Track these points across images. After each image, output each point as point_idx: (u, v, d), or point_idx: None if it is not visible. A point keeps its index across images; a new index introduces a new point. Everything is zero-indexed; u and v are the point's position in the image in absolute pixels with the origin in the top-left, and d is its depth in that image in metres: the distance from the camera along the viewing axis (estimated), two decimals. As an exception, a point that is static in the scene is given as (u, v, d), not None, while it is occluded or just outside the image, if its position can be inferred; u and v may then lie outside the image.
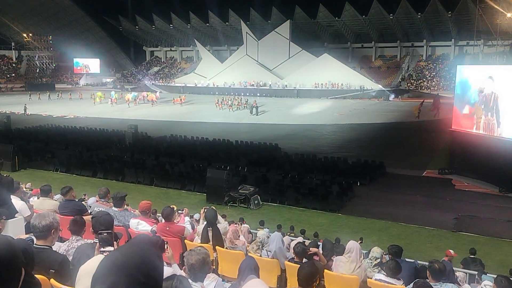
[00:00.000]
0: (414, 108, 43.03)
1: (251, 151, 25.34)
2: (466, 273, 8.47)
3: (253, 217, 14.71)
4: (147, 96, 55.72)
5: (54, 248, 4.01)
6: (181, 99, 53.96)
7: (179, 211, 8.55)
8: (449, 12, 64.08)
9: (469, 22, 59.75)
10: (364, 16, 70.86)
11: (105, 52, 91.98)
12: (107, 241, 3.46)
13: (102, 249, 3.43)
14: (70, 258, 3.95)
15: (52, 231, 3.84)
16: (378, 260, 6.79)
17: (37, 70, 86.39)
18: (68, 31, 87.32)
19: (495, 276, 6.53)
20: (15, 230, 5.24)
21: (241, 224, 10.73)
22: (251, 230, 10.79)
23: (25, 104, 45.87)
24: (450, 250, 9.22)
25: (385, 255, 8.05)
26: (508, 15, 23.98)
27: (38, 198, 7.99)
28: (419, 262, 8.04)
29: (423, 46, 73.05)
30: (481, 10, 25.13)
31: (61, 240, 4.89)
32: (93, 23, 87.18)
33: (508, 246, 13.01)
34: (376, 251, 6.91)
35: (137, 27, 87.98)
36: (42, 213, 4.20)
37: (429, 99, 47.41)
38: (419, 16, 67.32)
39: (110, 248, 3.43)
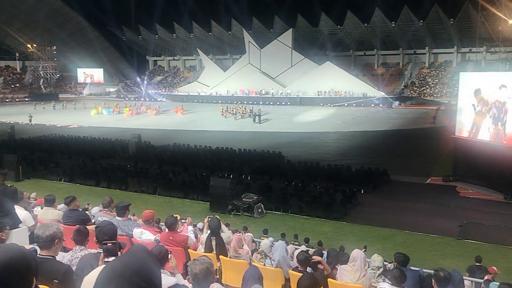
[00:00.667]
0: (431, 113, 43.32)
1: (254, 159, 25.33)
2: (472, 282, 8.40)
3: (257, 225, 14.68)
4: (146, 109, 55.90)
5: (58, 258, 4.00)
6: (182, 108, 54.10)
7: (182, 220, 8.54)
8: (451, 19, 64.22)
9: (471, 29, 59.87)
10: (366, 24, 71.10)
11: (109, 61, 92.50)
12: (111, 251, 3.44)
13: (106, 259, 3.41)
14: (74, 268, 3.95)
15: (56, 241, 3.84)
16: (381, 269, 6.73)
17: (41, 80, 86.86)
18: (72, 42, 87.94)
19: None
20: (19, 240, 5.25)
21: (244, 233, 10.69)
22: (255, 239, 10.74)
23: (30, 114, 46.12)
24: (494, 267, 9.13)
25: (390, 263, 7.99)
26: (510, 21, 23.99)
27: (41, 208, 8.00)
28: (424, 270, 7.98)
29: (425, 53, 73.07)
30: (483, 17, 25.16)
31: (65, 250, 4.88)
32: (97, 33, 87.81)
33: (513, 254, 12.92)
34: (377, 260, 6.84)
35: (140, 37, 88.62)
36: (45, 223, 4.20)
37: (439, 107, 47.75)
38: (421, 24, 67.47)
39: (113, 259, 3.41)
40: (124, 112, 54.07)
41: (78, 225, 5.20)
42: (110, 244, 3.46)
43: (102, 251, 3.60)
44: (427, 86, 68.23)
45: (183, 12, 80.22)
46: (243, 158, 25.52)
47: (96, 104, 58.02)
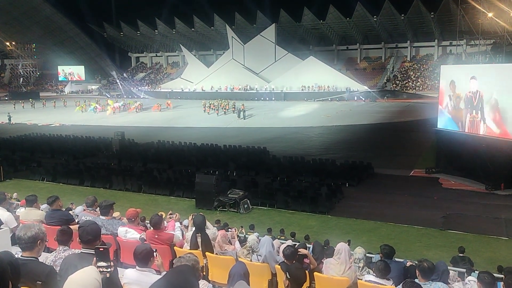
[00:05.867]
0: None
1: (239, 155, 25.32)
2: (456, 271, 8.52)
3: (243, 221, 14.69)
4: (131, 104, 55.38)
5: (41, 259, 3.95)
6: (162, 105, 53.49)
7: (171, 215, 8.49)
8: (432, 13, 64.90)
9: (451, 23, 60.49)
10: (348, 19, 71.41)
11: (90, 59, 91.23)
12: (102, 255, 3.36)
13: (98, 263, 3.33)
14: (57, 269, 3.89)
15: (38, 242, 3.78)
16: (362, 261, 6.79)
17: (21, 79, 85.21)
18: (52, 39, 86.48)
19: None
20: (0, 241, 5.16)
21: (237, 230, 10.64)
22: (239, 234, 10.74)
23: (9, 113, 45.27)
24: None
25: (376, 254, 8.05)
26: (490, 14, 24.32)
27: (25, 209, 7.87)
28: (408, 261, 8.08)
29: (407, 47, 73.79)
30: (463, 10, 25.41)
31: (48, 250, 4.82)
32: (77, 30, 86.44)
33: (495, 243, 13.18)
34: (358, 252, 6.90)
35: (121, 33, 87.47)
36: (27, 224, 4.14)
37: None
38: (402, 18, 68.03)
39: (103, 264, 3.32)
40: (109, 105, 53.31)
41: (61, 225, 5.13)
42: (102, 249, 3.39)
43: (95, 256, 3.49)
44: (409, 80, 68.91)
45: (165, 8, 79.45)
46: (228, 154, 25.48)
47: (76, 102, 57.28)
